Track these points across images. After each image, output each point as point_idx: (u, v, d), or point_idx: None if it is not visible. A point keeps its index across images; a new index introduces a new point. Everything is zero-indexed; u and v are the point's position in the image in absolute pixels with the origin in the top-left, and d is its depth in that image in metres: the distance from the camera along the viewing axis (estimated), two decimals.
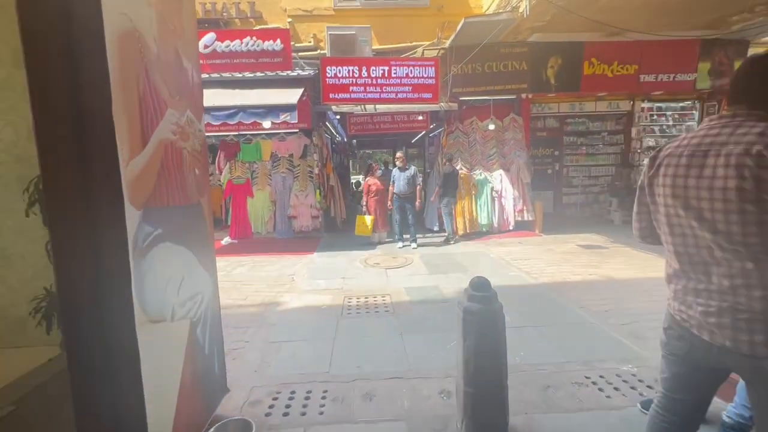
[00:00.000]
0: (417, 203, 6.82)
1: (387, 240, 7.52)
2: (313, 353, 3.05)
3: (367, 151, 25.67)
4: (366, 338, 3.30)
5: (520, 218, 7.95)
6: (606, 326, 3.38)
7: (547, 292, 4.35)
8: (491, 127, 7.97)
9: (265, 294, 4.57)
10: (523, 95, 7.98)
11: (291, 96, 6.56)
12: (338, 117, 9.75)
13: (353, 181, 15.67)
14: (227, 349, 3.07)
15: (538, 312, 3.78)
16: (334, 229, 8.50)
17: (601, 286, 4.50)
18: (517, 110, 8.23)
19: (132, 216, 1.43)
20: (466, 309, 1.86)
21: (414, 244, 6.90)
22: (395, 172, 6.95)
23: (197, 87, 2.07)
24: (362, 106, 7.68)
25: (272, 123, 6.60)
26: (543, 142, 8.93)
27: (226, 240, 7.75)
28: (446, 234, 7.25)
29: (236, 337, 3.38)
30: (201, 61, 7.63)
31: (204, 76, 7.21)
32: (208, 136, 8.82)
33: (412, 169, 6.85)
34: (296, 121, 6.28)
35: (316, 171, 7.95)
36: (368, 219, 7.07)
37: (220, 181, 8.21)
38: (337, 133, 11.79)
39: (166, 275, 1.64)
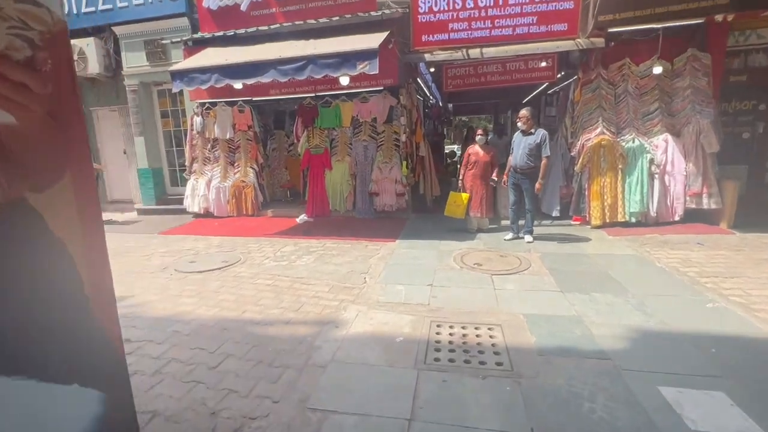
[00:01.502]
0: (537, 184, 4.89)
1: (491, 227, 5.81)
2: None
3: (463, 118, 23.28)
4: None
5: (693, 205, 5.44)
6: None
7: None
8: (656, 70, 5.44)
9: (324, 303, 3.41)
10: (718, 17, 5.20)
11: (371, 41, 5.10)
12: (432, 71, 8.01)
13: (447, 151, 13.79)
14: (243, 417, 1.93)
15: None
16: (424, 210, 7.06)
17: None
18: (701, 44, 5.49)
19: None
20: None
21: (529, 237, 5.09)
22: (516, 136, 5.09)
23: None
24: (464, 50, 5.85)
25: (349, 76, 5.28)
26: (738, 91, 5.97)
27: (302, 218, 6.91)
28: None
29: (263, 387, 2.24)
30: (272, 10, 6.68)
31: (275, 26, 6.18)
32: (285, 99, 8.04)
33: (540, 134, 4.85)
34: (377, 72, 4.84)
35: (404, 139, 6.50)
36: (464, 197, 5.43)
37: (298, 150, 7.34)
38: (430, 93, 10.08)
39: None
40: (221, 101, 7.25)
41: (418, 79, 7.58)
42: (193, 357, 2.57)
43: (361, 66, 4.86)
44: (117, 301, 3.28)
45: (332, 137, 7.06)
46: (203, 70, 5.29)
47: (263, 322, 3.08)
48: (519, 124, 5.00)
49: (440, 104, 12.92)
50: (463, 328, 2.88)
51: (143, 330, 2.95)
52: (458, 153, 12.36)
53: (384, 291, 3.65)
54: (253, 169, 7.50)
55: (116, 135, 8.68)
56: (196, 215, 7.55)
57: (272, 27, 6.19)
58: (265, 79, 5.14)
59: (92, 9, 7.49)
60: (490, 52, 5.89)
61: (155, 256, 5.09)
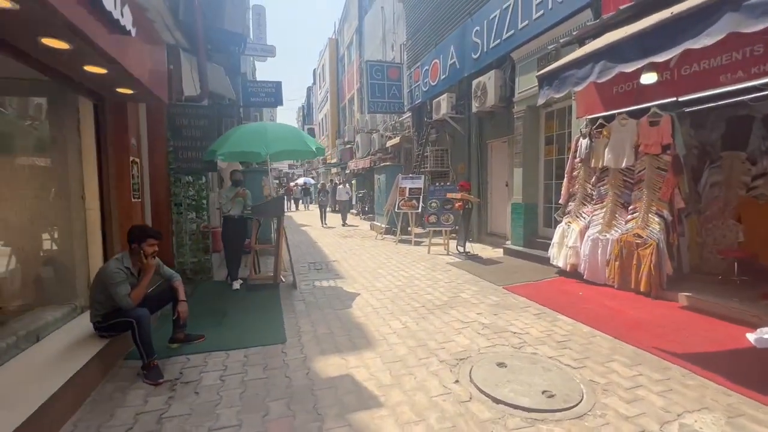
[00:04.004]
0: None
1: None
2: None
3: None
4: None
5: None
6: None
7: None
8: None
9: None
10: None
11: None
12: None
13: None
14: None
15: None
16: None
17: None
18: None
19: None
20: None
21: None
22: None
23: None
24: None
25: None
26: None
27: (765, 334, 3.17)
28: None
29: None
30: None
31: None
32: (755, 90, 4.03)
33: None
34: None
35: None
36: None
37: None
38: None
39: None
40: (621, 111, 4.83)
41: None
42: None
43: None
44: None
45: None
46: (579, 62, 3.30)
47: None
48: None
49: None
50: None
51: None
52: None
53: None
54: (660, 216, 4.49)
55: (503, 166, 8.32)
56: (561, 271, 5.57)
57: None
58: (704, 39, 2.39)
59: (497, 42, 7.36)
60: None
61: (471, 327, 3.75)
